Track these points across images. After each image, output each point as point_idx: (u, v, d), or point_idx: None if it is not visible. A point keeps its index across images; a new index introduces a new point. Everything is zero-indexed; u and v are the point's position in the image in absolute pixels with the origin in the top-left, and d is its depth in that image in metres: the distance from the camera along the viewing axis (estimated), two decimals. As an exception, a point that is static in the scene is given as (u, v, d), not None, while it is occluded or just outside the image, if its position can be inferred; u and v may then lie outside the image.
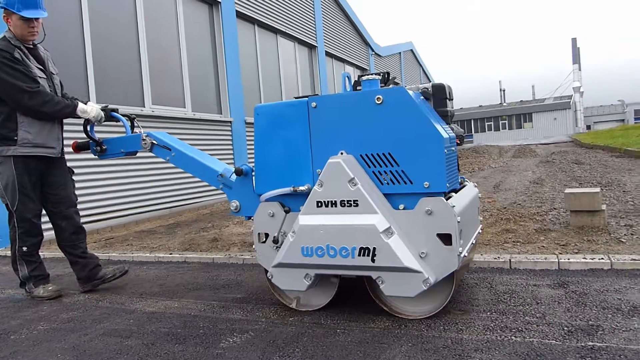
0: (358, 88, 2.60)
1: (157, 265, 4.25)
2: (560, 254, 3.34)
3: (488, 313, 2.40)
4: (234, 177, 2.86)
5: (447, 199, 2.29)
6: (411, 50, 23.59)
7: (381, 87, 2.51)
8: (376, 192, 2.35)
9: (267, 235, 2.61)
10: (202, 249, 4.70)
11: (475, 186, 2.94)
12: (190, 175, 3.33)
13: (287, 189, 2.50)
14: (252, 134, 9.88)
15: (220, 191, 2.99)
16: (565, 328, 2.15)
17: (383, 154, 2.34)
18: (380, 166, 2.35)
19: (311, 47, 13.18)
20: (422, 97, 2.49)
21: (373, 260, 2.28)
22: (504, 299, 2.60)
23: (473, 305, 2.53)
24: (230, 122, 9.07)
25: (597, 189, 3.98)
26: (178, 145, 3.13)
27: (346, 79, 2.64)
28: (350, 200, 2.34)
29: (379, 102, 2.32)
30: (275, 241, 2.54)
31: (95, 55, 6.45)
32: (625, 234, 3.69)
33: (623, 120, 58.62)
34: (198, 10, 8.72)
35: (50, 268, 3.71)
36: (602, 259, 3.16)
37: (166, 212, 7.31)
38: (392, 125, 2.31)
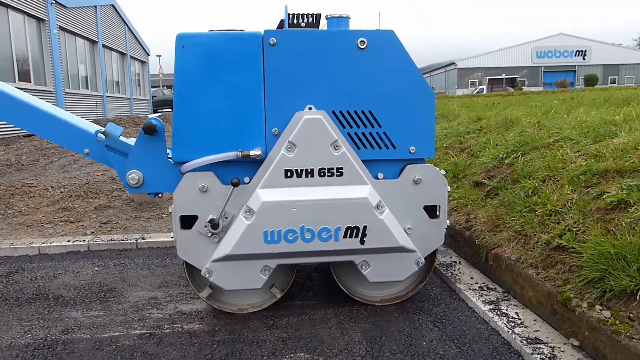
0: (302, 25, 2.11)
1: None
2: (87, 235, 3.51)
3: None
4: (124, 138, 2.13)
5: None
6: (112, 5, 21.83)
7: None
8: (356, 158, 1.95)
9: (194, 218, 1.99)
10: None
11: None
12: None
13: (230, 154, 1.90)
14: None
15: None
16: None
17: (362, 111, 1.93)
18: (358, 127, 1.93)
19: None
20: None
21: (362, 242, 1.90)
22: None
23: None
24: None
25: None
26: (5, 88, 2.23)
27: (287, 14, 2.09)
28: (333, 169, 1.87)
29: (363, 47, 1.88)
30: (215, 226, 1.94)
31: None
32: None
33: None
34: None
35: None
36: (83, 241, 3.34)
37: None
38: (377, 77, 1.90)
